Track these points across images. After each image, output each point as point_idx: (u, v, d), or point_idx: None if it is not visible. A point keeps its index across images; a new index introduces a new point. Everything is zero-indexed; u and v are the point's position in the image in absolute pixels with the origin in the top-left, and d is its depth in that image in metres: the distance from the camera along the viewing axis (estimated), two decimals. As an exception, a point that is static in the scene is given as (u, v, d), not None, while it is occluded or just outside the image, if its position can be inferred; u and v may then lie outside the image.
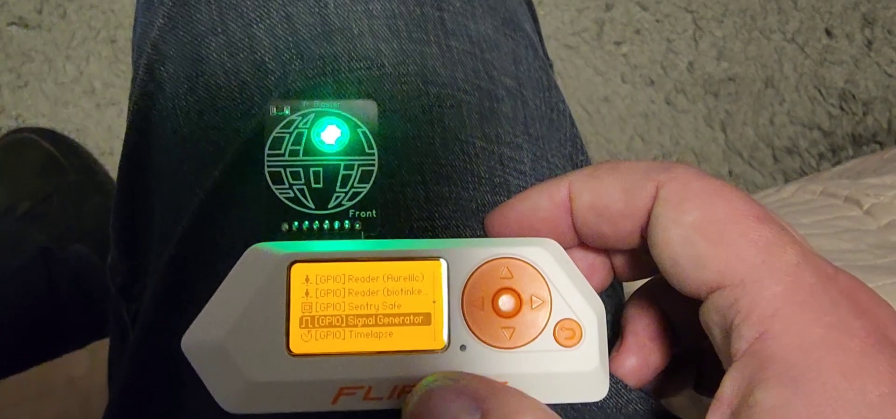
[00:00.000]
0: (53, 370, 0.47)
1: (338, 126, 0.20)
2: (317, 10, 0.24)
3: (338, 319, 0.18)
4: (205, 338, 0.18)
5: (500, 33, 0.27)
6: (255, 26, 0.24)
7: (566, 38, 0.87)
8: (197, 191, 0.24)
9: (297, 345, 0.18)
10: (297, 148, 0.20)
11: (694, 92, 0.87)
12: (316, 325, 0.18)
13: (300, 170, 0.20)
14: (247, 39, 0.24)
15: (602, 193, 0.20)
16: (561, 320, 0.19)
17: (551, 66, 0.31)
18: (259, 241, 0.20)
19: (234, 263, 0.23)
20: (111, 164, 0.87)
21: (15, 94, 0.87)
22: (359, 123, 0.20)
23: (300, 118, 0.20)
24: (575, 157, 0.28)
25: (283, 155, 0.20)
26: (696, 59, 0.87)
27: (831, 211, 0.46)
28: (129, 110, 0.27)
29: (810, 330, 0.16)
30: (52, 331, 0.62)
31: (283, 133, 0.20)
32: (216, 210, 0.23)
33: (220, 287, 0.19)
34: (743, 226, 0.17)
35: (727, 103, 0.87)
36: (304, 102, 0.20)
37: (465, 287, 0.19)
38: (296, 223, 0.20)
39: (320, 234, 0.20)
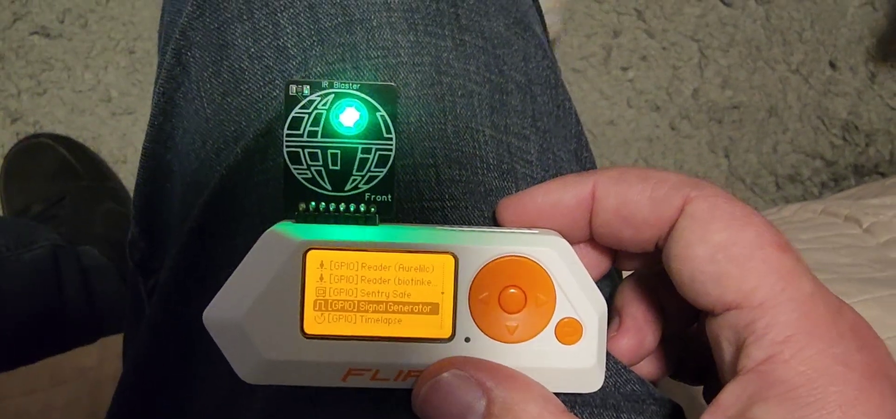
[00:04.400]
0: (64, 361, 0.48)
1: (357, 109, 0.20)
2: (338, 1, 0.26)
3: (350, 304, 0.19)
4: (224, 315, 0.19)
5: (512, 32, 0.28)
6: (279, 15, 0.25)
7: (574, 62, 0.89)
8: (218, 168, 0.25)
9: (310, 327, 0.19)
10: (316, 129, 0.20)
11: (698, 118, 0.88)
12: (329, 309, 0.19)
13: (318, 151, 0.20)
14: (271, 27, 0.25)
15: (629, 200, 0.20)
16: (563, 319, 0.20)
17: (559, 71, 0.32)
18: (277, 219, 0.21)
19: (253, 239, 0.24)
20: (124, 172, 0.89)
21: (33, 101, 0.89)
22: (378, 107, 0.20)
23: (319, 99, 0.20)
24: (580, 153, 0.29)
25: (302, 135, 0.20)
26: (701, 86, 0.89)
27: (831, 228, 0.47)
28: (154, 92, 0.28)
29: (816, 359, 0.17)
30: (57, 327, 0.63)
31: (302, 113, 0.20)
32: (236, 186, 0.25)
33: (239, 266, 0.19)
34: (766, 253, 0.18)
35: (731, 130, 0.88)
36: (325, 83, 0.20)
37: (473, 281, 0.19)
38: (312, 203, 0.20)
39: (336, 216, 0.20)
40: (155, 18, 0.91)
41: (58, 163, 0.84)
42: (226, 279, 0.25)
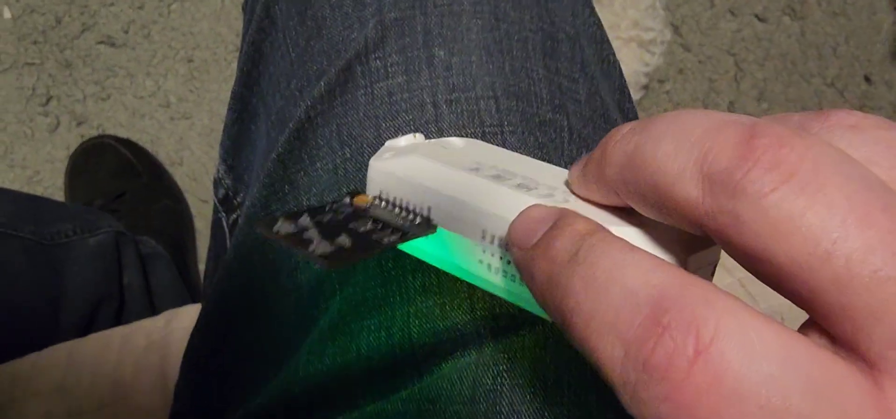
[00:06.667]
0: (135, 329, 0.52)
1: None
2: None
3: None
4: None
5: None
6: None
7: (611, 75, 0.92)
8: (301, 103, 0.29)
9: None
10: None
11: (734, 129, 0.90)
12: None
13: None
14: None
15: None
16: None
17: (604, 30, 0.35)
18: (353, 148, 0.23)
19: (330, 165, 0.27)
20: (180, 174, 0.94)
21: (98, 105, 0.95)
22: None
23: None
24: (623, 104, 0.32)
25: None
26: (737, 99, 0.91)
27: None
28: (242, 43, 0.32)
29: None
30: (117, 305, 0.67)
31: None
32: (318, 117, 0.28)
33: None
34: None
35: (767, 142, 0.90)
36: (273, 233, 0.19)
37: None
38: None
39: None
40: (213, 29, 0.96)
41: (119, 162, 0.90)
42: (307, 202, 0.28)
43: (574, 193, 0.18)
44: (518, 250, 0.16)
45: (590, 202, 0.17)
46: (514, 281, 0.18)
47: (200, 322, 0.32)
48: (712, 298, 0.12)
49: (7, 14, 0.98)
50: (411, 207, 0.20)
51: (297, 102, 0.29)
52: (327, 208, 0.20)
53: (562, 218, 0.16)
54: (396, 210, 0.20)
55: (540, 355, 0.24)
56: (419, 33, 0.28)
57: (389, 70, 0.27)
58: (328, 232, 0.18)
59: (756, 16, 0.93)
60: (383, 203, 0.20)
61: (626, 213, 0.17)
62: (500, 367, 0.23)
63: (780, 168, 0.12)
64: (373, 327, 0.25)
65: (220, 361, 0.30)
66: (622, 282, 0.13)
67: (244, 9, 0.35)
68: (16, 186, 0.92)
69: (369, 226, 0.19)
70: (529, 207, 0.17)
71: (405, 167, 0.20)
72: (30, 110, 0.95)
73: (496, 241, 0.18)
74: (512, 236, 0.16)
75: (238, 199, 0.33)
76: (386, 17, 0.28)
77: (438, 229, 0.19)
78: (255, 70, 0.31)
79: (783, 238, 0.12)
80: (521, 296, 0.18)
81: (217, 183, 0.34)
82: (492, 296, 0.25)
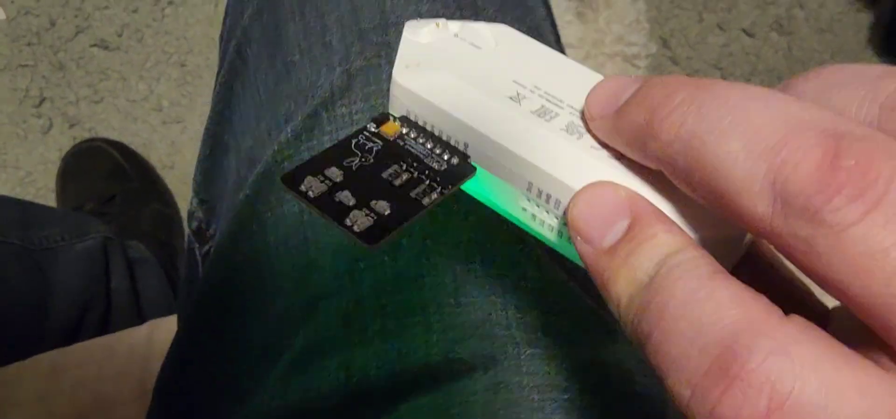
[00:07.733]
0: (116, 338, 0.53)
1: None
2: (377, 7, 0.30)
3: None
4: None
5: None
6: (326, 16, 0.30)
7: (599, 87, 0.93)
8: (270, 145, 0.29)
9: None
10: None
11: (720, 144, 0.91)
12: None
13: None
14: (319, 26, 0.30)
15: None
16: None
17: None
18: None
19: (297, 209, 0.28)
20: (172, 178, 0.95)
21: (90, 108, 0.96)
22: None
23: None
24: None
25: None
26: (723, 113, 0.92)
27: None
28: (216, 82, 0.33)
29: None
30: (104, 311, 0.68)
31: None
32: (285, 160, 0.29)
33: None
34: None
35: (752, 157, 0.91)
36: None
37: None
38: None
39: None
40: (206, 35, 0.97)
41: (111, 165, 0.90)
42: (274, 243, 0.29)
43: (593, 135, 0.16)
44: (586, 245, 0.15)
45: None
46: (570, 242, 0.16)
47: (172, 351, 0.33)
48: (790, 347, 0.11)
49: (1, 15, 0.98)
50: (445, 137, 0.18)
51: (265, 145, 0.30)
52: (354, 145, 0.18)
53: (638, 221, 0.14)
54: (429, 145, 0.18)
55: (490, 399, 0.25)
56: (384, 81, 0.29)
57: (354, 118, 0.28)
58: (362, 190, 0.16)
59: (744, 31, 0.93)
60: (412, 132, 0.18)
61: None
62: (453, 411, 0.24)
63: (864, 196, 0.11)
64: (332, 368, 0.26)
65: (190, 393, 0.31)
66: (695, 318, 0.12)
67: (220, 40, 0.36)
68: (8, 187, 0.93)
69: (405, 176, 0.17)
70: (595, 189, 0.15)
71: (435, 90, 0.18)
72: (23, 111, 0.96)
73: (544, 197, 0.17)
74: (576, 223, 0.15)
75: (210, 231, 0.34)
76: (352, 65, 0.29)
77: (478, 169, 0.18)
78: (227, 109, 0.32)
79: (863, 274, 0.11)
80: (573, 254, 0.16)
81: (191, 215, 0.35)
82: (446, 338, 0.26)
